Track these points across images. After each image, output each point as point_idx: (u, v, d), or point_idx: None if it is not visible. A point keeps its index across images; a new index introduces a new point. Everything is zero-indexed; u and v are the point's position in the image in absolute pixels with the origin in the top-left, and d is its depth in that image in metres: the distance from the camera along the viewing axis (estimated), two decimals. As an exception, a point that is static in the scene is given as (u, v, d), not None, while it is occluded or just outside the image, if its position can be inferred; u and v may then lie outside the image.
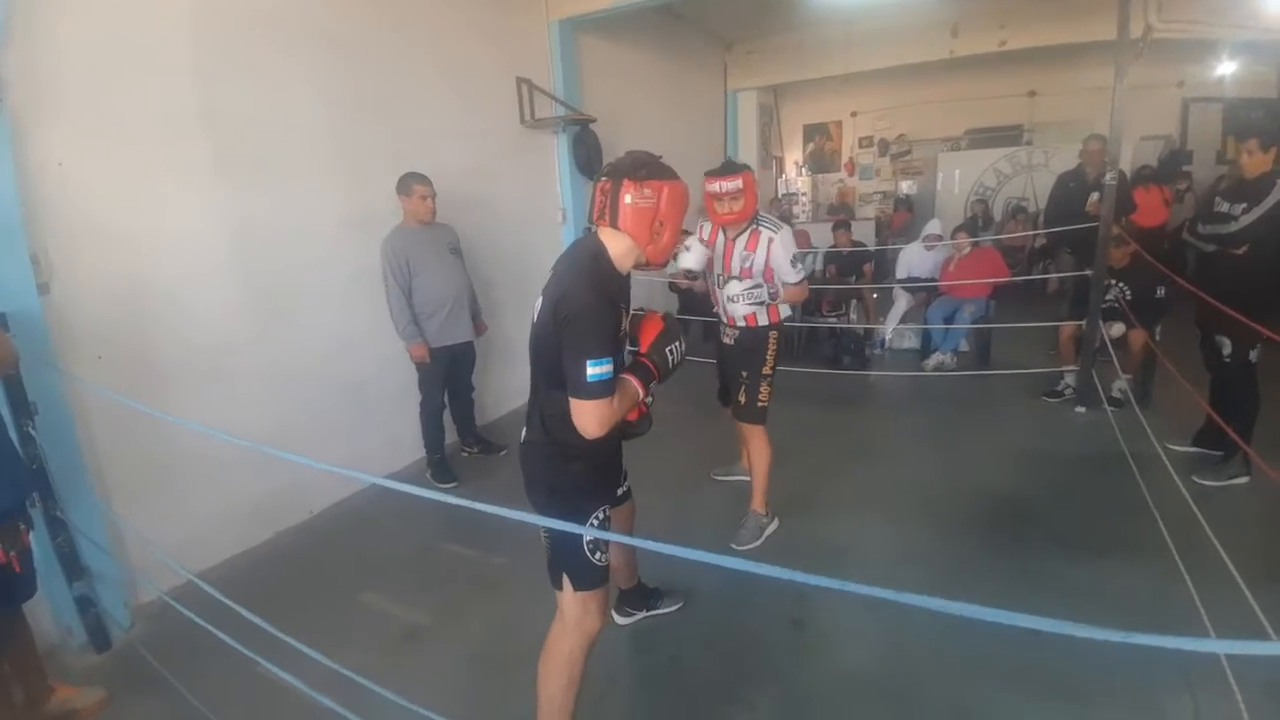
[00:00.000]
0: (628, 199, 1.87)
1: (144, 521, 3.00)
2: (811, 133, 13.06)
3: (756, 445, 3.41)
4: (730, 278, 3.28)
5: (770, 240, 3.17)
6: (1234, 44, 7.67)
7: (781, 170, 12.54)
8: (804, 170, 12.96)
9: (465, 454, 4.72)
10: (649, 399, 2.04)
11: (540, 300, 1.92)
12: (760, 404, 3.35)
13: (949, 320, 6.12)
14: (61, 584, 2.73)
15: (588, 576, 2.02)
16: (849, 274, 7.06)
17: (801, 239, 7.49)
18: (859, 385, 6.03)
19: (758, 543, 3.40)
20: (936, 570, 3.15)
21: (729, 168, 3.15)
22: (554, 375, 1.87)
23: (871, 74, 9.25)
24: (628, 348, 2.07)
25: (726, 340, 3.45)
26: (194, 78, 3.34)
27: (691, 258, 3.06)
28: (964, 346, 6.29)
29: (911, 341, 6.77)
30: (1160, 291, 4.69)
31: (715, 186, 3.12)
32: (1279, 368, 3.70)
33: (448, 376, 4.33)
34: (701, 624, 2.84)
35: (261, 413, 3.69)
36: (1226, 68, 8.55)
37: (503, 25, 5.41)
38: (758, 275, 3.22)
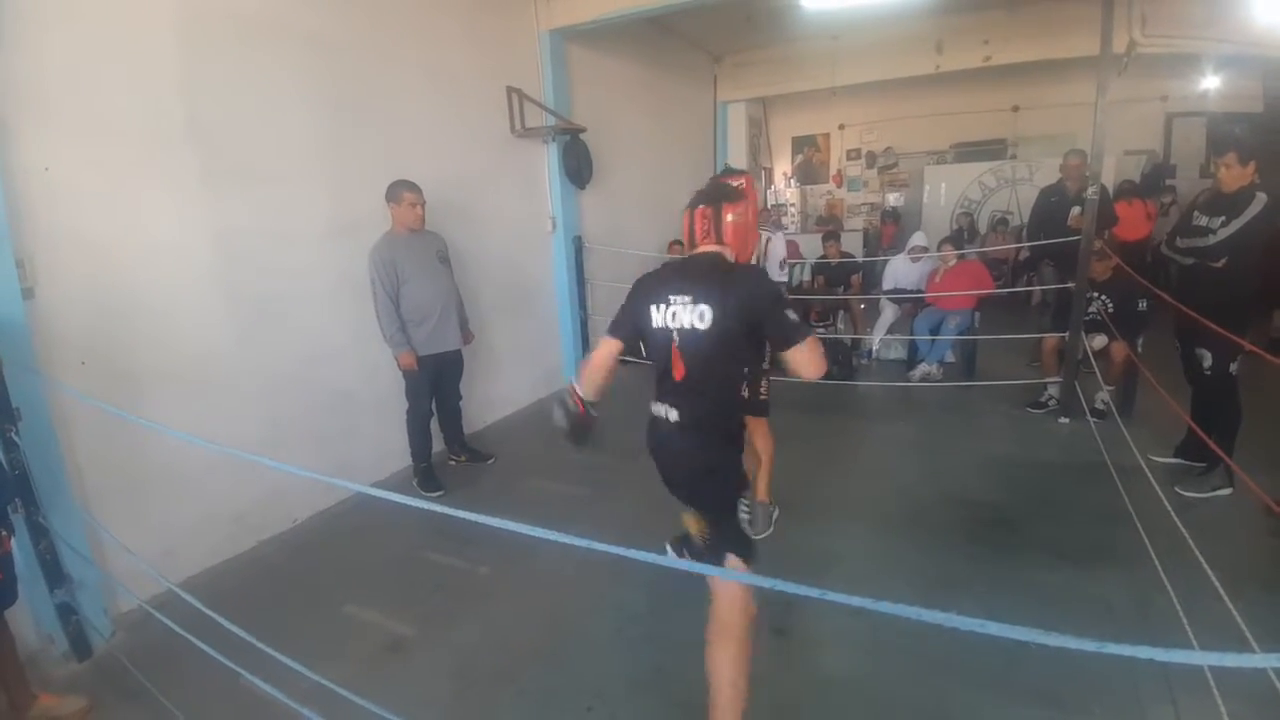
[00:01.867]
0: (729, 218, 2.19)
1: (126, 529, 2.97)
2: (800, 144, 13.12)
3: (761, 437, 3.62)
4: None
5: (769, 240, 3.50)
6: (1218, 59, 7.78)
7: (770, 181, 12.60)
8: (792, 181, 13.03)
9: (453, 462, 4.70)
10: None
11: (704, 308, 2.08)
12: (761, 397, 3.59)
13: (935, 331, 6.17)
14: (43, 591, 2.70)
15: (750, 547, 2.22)
16: (837, 285, 7.10)
17: (791, 249, 7.55)
18: (846, 395, 6.06)
19: (769, 531, 3.58)
20: (921, 577, 3.17)
21: (725, 172, 3.35)
22: (735, 361, 2.14)
23: (859, 87, 9.33)
24: None
25: None
26: (181, 84, 3.33)
27: None
28: (950, 357, 6.33)
29: (898, 352, 6.82)
30: (1142, 304, 4.75)
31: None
32: (1260, 379, 3.75)
33: (435, 385, 4.32)
34: (686, 632, 2.83)
35: (246, 420, 3.68)
36: (1210, 82, 8.66)
37: (493, 35, 5.44)
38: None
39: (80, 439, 2.99)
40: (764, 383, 3.60)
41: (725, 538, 2.17)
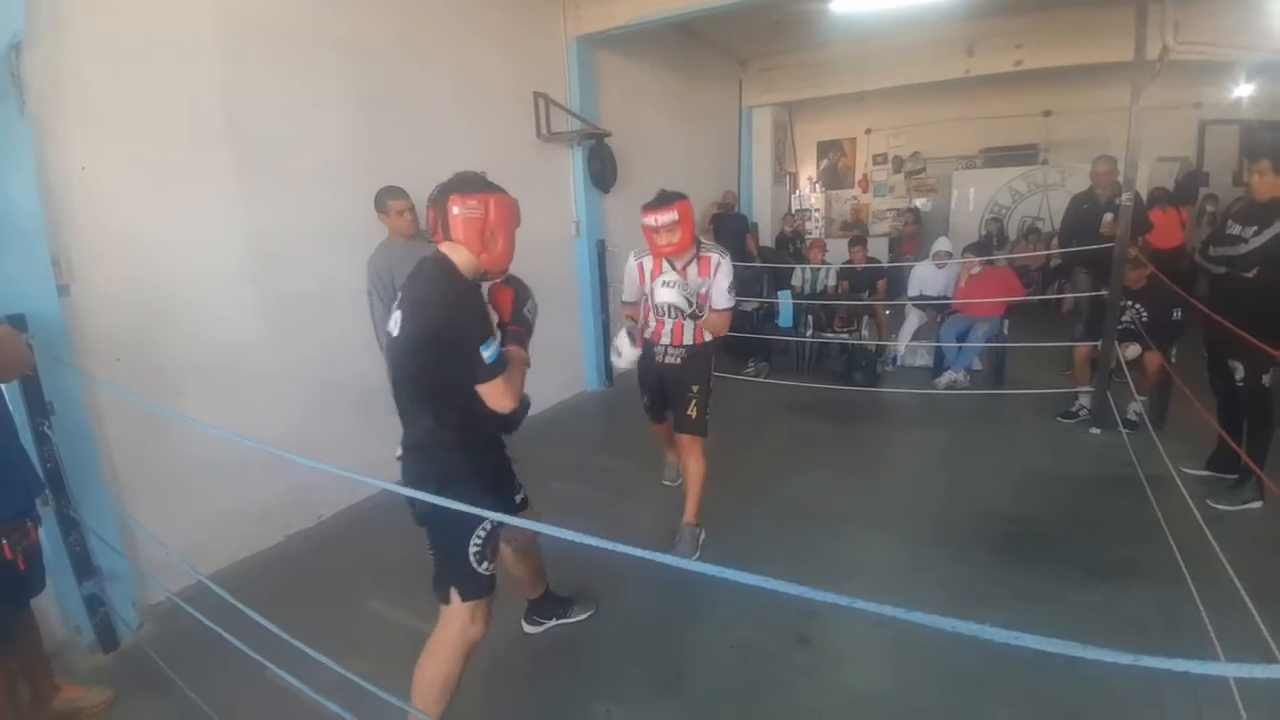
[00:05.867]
0: (455, 210, 2.01)
1: (155, 522, 3.01)
2: (825, 149, 13.06)
3: (697, 458, 3.41)
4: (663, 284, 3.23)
5: (719, 265, 3.21)
6: (1251, 66, 7.65)
7: (795, 186, 12.57)
8: (818, 186, 12.97)
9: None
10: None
11: (399, 314, 2.04)
12: (708, 416, 3.41)
13: (962, 338, 6.10)
14: (71, 583, 2.75)
15: (474, 586, 2.12)
16: (862, 290, 7.05)
17: (817, 247, 7.51)
18: (870, 402, 6.01)
19: (698, 554, 3.39)
20: (945, 588, 3.13)
21: (663, 199, 3.11)
22: (429, 379, 2.01)
23: (886, 91, 9.28)
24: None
25: (671, 360, 3.41)
26: (216, 86, 3.39)
27: (623, 362, 3.29)
28: (977, 365, 6.26)
29: (924, 359, 6.75)
30: (1177, 314, 4.66)
31: (651, 220, 3.10)
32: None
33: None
34: (708, 639, 2.83)
35: (274, 417, 3.72)
36: (1244, 89, 8.51)
37: (522, 41, 5.48)
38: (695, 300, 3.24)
39: (112, 433, 3.05)
40: (710, 401, 3.43)
41: (446, 568, 2.14)
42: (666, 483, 4.15)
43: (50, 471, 2.60)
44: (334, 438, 4.06)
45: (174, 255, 3.27)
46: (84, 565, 2.77)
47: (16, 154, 2.62)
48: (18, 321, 2.48)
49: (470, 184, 2.07)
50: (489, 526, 2.10)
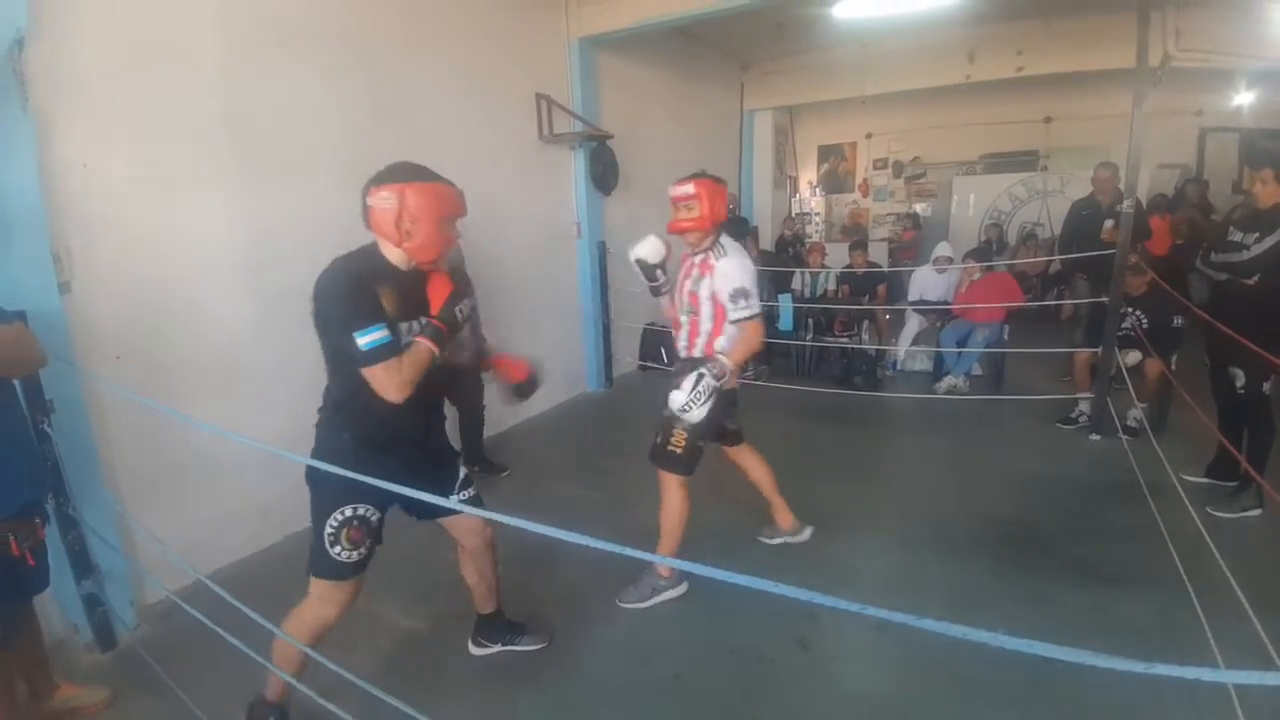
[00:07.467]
0: (369, 202, 2.08)
1: (154, 521, 3.00)
2: (826, 153, 13.07)
3: (664, 496, 3.04)
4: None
5: (714, 266, 2.89)
6: (1252, 74, 7.68)
7: (795, 190, 12.57)
8: (818, 191, 12.97)
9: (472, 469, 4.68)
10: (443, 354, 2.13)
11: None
12: (672, 448, 2.97)
13: (962, 343, 6.11)
14: (69, 581, 2.74)
15: (324, 566, 2.15)
16: (862, 294, 7.06)
17: (816, 251, 7.50)
18: (870, 406, 6.00)
19: (644, 604, 3.06)
20: (944, 593, 3.12)
21: (692, 175, 2.98)
22: (328, 358, 2.12)
23: (888, 96, 9.30)
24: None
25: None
26: (218, 82, 3.39)
27: (643, 248, 3.09)
28: (977, 370, 6.26)
29: (924, 364, 6.75)
30: (1177, 321, 4.67)
31: (671, 192, 2.98)
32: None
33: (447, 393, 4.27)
34: (706, 641, 2.82)
35: (275, 416, 3.69)
36: (1244, 98, 8.56)
37: (524, 41, 5.49)
38: (704, 304, 2.94)
39: (112, 431, 3.04)
40: (677, 430, 2.95)
41: (312, 541, 2.18)
42: (761, 539, 3.64)
43: (50, 470, 2.59)
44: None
45: (175, 252, 3.26)
46: (82, 564, 2.76)
47: (18, 150, 2.61)
48: (18, 319, 2.47)
49: (389, 174, 2.09)
50: (346, 513, 2.13)
